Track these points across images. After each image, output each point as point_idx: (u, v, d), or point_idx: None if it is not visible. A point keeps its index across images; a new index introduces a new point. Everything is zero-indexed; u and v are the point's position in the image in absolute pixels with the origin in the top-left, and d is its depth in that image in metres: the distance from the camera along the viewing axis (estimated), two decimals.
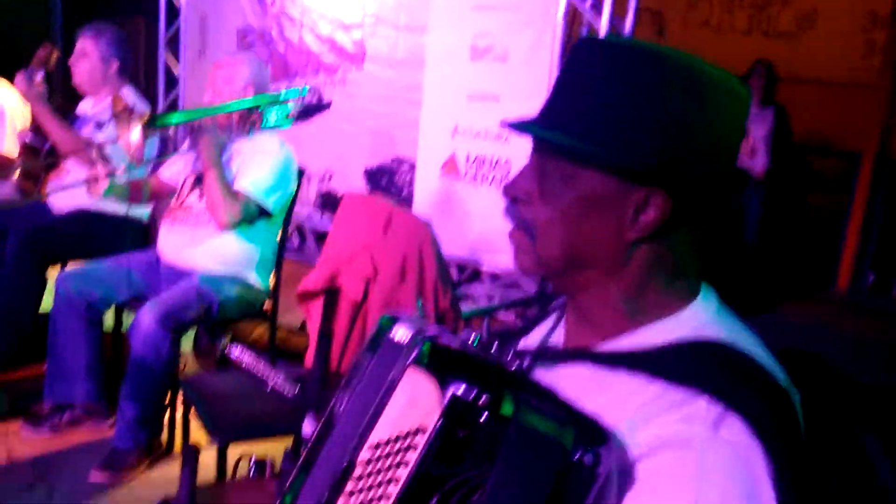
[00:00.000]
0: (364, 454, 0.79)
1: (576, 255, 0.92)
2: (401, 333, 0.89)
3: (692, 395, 0.82)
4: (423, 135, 5.15)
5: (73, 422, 3.21)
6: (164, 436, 3.09)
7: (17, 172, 3.71)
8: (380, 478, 0.77)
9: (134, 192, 3.24)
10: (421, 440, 0.75)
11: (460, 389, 0.75)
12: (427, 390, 0.76)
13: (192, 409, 2.63)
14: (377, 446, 0.78)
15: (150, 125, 2.87)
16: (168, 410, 3.10)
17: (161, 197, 3.41)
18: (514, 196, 0.97)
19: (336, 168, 5.71)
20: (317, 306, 2.70)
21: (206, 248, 3.09)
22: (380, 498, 0.77)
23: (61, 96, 4.06)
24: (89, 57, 3.61)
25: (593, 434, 0.78)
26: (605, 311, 0.94)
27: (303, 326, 3.91)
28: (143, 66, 7.27)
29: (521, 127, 0.94)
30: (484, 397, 0.75)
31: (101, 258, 3.22)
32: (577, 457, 0.76)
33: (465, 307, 4.47)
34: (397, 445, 0.77)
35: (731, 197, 0.96)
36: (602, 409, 0.86)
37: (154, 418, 2.97)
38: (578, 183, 0.89)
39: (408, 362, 0.78)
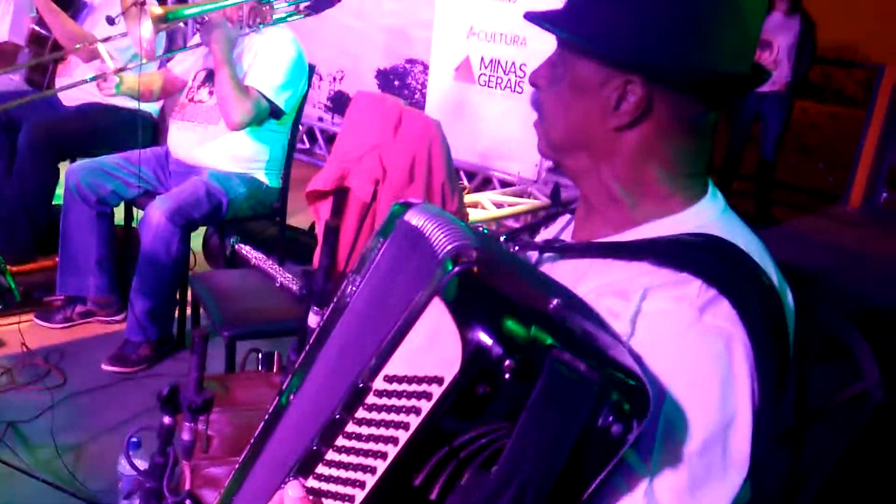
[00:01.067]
0: (378, 383, 0.73)
1: (571, 138, 0.98)
2: (420, 219, 0.85)
3: (687, 278, 0.85)
4: (436, 35, 5.04)
5: (85, 314, 3.27)
6: (175, 331, 3.15)
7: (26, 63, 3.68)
8: (390, 417, 0.72)
9: (145, 89, 3.20)
10: (436, 391, 0.68)
11: (486, 341, 0.65)
12: (449, 333, 0.67)
13: (201, 306, 2.67)
14: (392, 379, 0.73)
15: (161, 20, 2.81)
16: (178, 306, 3.15)
17: (171, 92, 3.37)
18: (534, 82, 1.02)
19: (347, 68, 5.62)
20: (326, 207, 2.70)
21: (216, 146, 3.07)
22: (388, 440, 0.72)
23: None
24: None
25: (630, 401, 0.69)
26: (608, 201, 0.98)
27: (312, 228, 3.91)
28: None
29: (531, 17, 0.98)
30: (509, 360, 0.65)
31: (111, 152, 3.20)
32: (605, 423, 0.68)
33: (475, 215, 4.45)
34: (412, 387, 0.70)
35: (730, 98, 0.99)
36: (599, 290, 0.89)
37: (164, 313, 3.02)
38: (571, 69, 0.95)
39: (435, 290, 0.70)
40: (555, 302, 0.72)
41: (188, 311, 3.16)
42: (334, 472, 0.77)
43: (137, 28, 2.80)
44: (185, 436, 1.34)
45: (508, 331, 0.67)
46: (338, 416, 0.77)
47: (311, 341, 0.97)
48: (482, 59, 4.82)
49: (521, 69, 4.68)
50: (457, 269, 0.70)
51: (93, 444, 2.51)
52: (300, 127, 4.12)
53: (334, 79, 5.72)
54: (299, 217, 4.08)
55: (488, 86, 4.83)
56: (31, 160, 3.38)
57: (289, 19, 3.02)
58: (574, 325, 0.71)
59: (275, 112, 3.03)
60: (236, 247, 2.70)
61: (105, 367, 2.93)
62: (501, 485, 0.67)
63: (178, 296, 3.11)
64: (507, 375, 0.66)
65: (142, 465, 1.98)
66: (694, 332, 0.83)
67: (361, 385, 0.75)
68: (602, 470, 0.71)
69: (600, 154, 0.96)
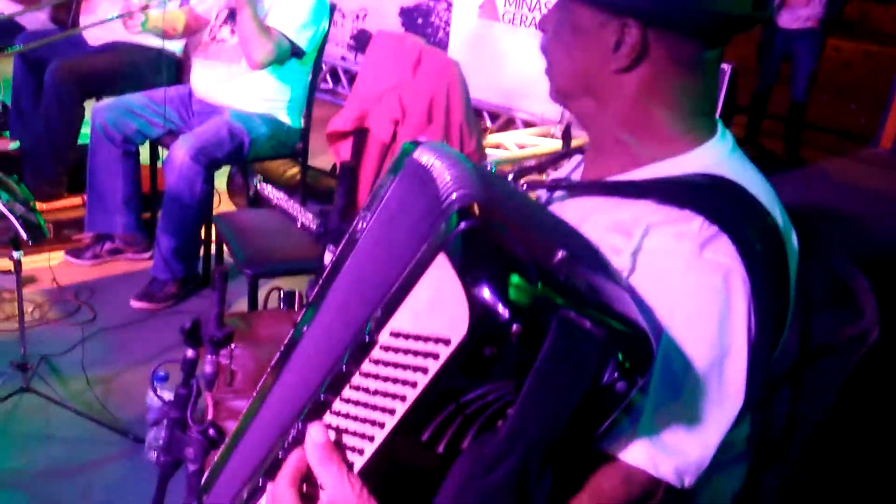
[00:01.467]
0: (384, 337, 0.73)
1: (574, 82, 0.99)
2: (429, 158, 0.85)
3: (689, 215, 0.87)
4: None
5: (113, 252, 3.34)
6: (200, 269, 3.21)
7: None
8: (397, 373, 0.72)
9: (169, 27, 3.21)
10: (444, 351, 0.68)
11: (493, 304, 0.65)
12: (455, 293, 0.67)
13: (225, 245, 2.72)
14: (398, 335, 0.73)
15: None
16: (203, 245, 3.21)
17: (195, 31, 3.37)
18: (542, 26, 1.04)
19: (370, 6, 5.56)
20: (346, 147, 2.72)
21: (238, 86, 3.08)
22: (396, 397, 0.72)
23: None
24: None
25: (633, 358, 0.69)
26: (614, 143, 0.99)
27: (334, 169, 3.94)
28: None
29: None
30: (516, 325, 0.65)
31: (135, 91, 3.24)
32: (610, 379, 0.69)
33: (497, 156, 4.45)
34: (418, 346, 0.70)
35: (731, 37, 0.97)
36: (603, 227, 0.91)
37: (190, 251, 3.08)
38: (571, 14, 0.97)
39: (441, 244, 0.69)
40: (560, 254, 0.71)
41: (213, 249, 3.22)
42: (342, 422, 0.79)
43: None
44: (208, 368, 1.39)
45: (515, 292, 0.66)
46: (344, 368, 0.78)
47: (323, 275, 1.00)
48: None
49: (546, 6, 4.60)
50: (462, 225, 0.69)
51: (122, 377, 2.60)
52: (323, 66, 4.11)
53: (357, 17, 5.67)
54: (322, 158, 4.10)
55: (512, 23, 4.76)
56: (57, 98, 3.42)
57: None
58: (579, 278, 0.71)
59: (296, 52, 3.03)
60: (258, 187, 2.72)
61: (133, 304, 3.01)
62: (508, 445, 0.68)
63: (203, 234, 3.17)
64: (513, 340, 0.65)
65: (168, 396, 2.06)
66: (694, 267, 0.84)
67: (367, 339, 0.75)
68: (604, 422, 0.73)
69: (603, 97, 0.97)
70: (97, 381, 2.55)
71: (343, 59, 5.86)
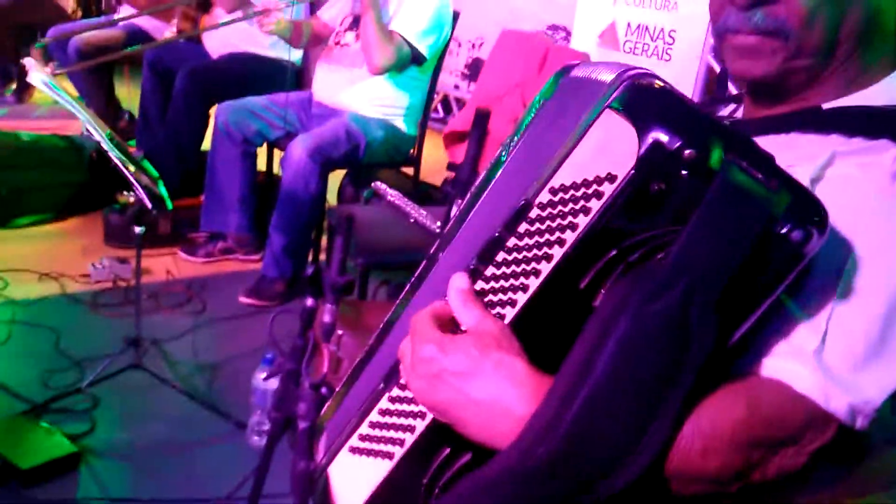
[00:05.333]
0: (543, 196, 0.71)
1: (837, 42, 0.87)
2: (585, 70, 0.79)
3: (883, 144, 0.78)
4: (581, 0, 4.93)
5: (225, 251, 3.40)
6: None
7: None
8: (556, 222, 0.69)
9: (295, 34, 3.27)
10: (608, 189, 0.65)
11: (663, 137, 0.63)
12: (624, 136, 0.65)
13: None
14: (557, 190, 0.70)
15: None
16: (313, 247, 3.22)
17: (320, 39, 3.43)
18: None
19: (487, 34, 5.58)
20: (463, 150, 2.68)
21: (359, 90, 3.10)
22: (553, 243, 0.69)
23: None
24: None
25: (810, 211, 0.65)
26: (819, 92, 0.90)
27: (444, 183, 3.91)
28: None
29: None
30: (689, 151, 0.62)
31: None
32: (784, 230, 0.64)
33: None
34: (580, 192, 0.67)
35: None
36: (784, 162, 0.82)
37: (300, 250, 3.09)
38: None
39: (606, 103, 0.67)
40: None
41: (322, 256, 3.22)
42: (494, 284, 0.75)
43: None
44: (326, 318, 1.35)
45: (687, 132, 0.63)
46: (497, 234, 0.73)
47: (466, 199, 0.94)
48: (629, 24, 4.66)
49: (670, 35, 4.49)
50: (626, 81, 0.67)
51: (228, 366, 2.60)
52: (435, 95, 4.12)
53: (473, 45, 5.70)
54: (433, 177, 4.09)
55: (633, 53, 4.66)
56: (185, 105, 3.54)
57: None
58: (752, 143, 0.67)
59: (416, 58, 3.03)
60: (374, 185, 2.72)
61: (241, 299, 3.03)
62: (672, 276, 0.63)
63: (314, 236, 3.18)
64: (684, 171, 0.62)
65: (273, 384, 2.03)
66: (883, 196, 0.75)
67: (524, 202, 0.71)
68: (781, 281, 0.66)
69: (863, 39, 0.88)
70: (204, 367, 2.56)
71: (456, 87, 5.89)
